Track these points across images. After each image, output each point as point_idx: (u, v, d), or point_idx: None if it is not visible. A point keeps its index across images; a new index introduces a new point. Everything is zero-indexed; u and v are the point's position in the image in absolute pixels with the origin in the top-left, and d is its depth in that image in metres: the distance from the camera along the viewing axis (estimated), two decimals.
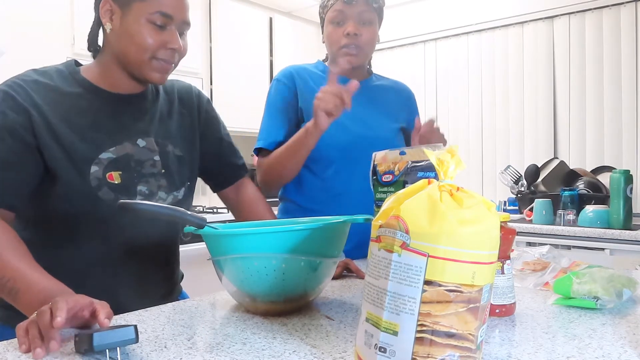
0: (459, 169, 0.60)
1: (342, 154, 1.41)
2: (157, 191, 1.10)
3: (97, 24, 1.08)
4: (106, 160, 1.03)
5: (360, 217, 0.91)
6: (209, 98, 1.43)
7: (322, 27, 1.49)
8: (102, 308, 0.76)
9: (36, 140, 0.98)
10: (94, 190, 1.01)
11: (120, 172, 1.04)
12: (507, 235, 0.85)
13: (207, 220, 0.90)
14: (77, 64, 1.11)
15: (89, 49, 1.11)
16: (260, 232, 0.88)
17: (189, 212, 0.88)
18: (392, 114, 1.52)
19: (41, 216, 1.03)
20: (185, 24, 1.06)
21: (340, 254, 0.91)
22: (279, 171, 1.37)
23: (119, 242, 1.05)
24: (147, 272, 1.11)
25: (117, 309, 0.87)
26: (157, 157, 1.10)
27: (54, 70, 1.06)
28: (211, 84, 3.47)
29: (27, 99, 0.98)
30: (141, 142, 1.09)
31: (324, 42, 1.49)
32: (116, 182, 1.03)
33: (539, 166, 3.25)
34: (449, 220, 0.54)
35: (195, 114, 1.22)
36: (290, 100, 1.44)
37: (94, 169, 1.01)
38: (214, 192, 1.34)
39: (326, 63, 1.54)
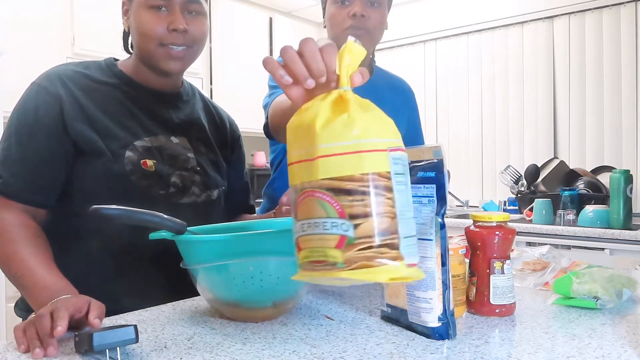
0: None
1: None
2: (191, 186, 1.07)
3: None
4: (141, 147, 1.02)
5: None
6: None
7: (324, 8, 1.34)
8: (95, 309, 0.76)
9: (66, 128, 0.97)
10: (128, 174, 0.99)
11: (155, 162, 1.02)
12: (507, 235, 0.85)
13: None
14: (115, 59, 1.11)
15: (125, 51, 1.11)
16: (256, 234, 0.84)
17: (168, 217, 0.81)
18: (396, 119, 1.41)
19: (73, 208, 0.99)
20: (191, 2, 1.00)
21: None
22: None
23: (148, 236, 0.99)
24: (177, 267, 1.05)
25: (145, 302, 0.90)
26: (191, 155, 1.09)
27: (92, 63, 1.07)
28: (211, 84, 3.47)
29: (60, 86, 0.98)
30: (174, 139, 1.08)
31: (325, 27, 1.35)
32: (150, 170, 1.01)
33: (539, 166, 3.25)
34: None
35: (228, 140, 1.22)
36: None
37: (128, 153, 1.00)
38: None
39: None
